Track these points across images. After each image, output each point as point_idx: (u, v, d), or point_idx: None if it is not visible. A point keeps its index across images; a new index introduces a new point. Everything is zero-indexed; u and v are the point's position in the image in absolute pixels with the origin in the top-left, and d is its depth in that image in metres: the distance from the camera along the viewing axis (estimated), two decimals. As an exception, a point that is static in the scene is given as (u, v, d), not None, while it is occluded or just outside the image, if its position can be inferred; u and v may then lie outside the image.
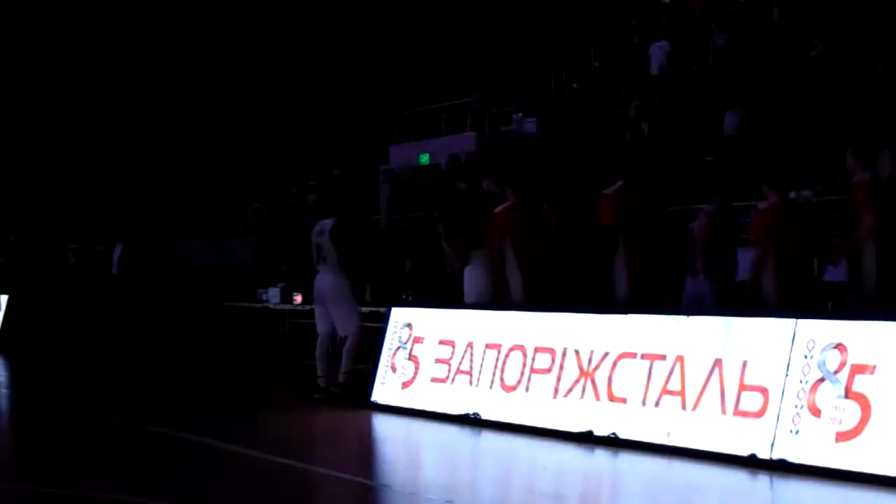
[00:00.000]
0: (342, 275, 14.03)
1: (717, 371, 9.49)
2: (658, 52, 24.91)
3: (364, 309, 18.13)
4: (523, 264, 12.21)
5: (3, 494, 8.99)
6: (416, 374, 12.65)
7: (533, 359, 11.21)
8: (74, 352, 23.10)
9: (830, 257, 10.95)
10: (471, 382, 11.84)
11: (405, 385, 12.74)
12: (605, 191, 11.84)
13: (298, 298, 20.20)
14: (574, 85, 27.07)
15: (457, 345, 12.20)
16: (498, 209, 12.42)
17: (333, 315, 14.06)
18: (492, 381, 11.58)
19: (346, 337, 14.08)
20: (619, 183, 11.79)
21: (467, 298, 13.03)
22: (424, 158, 26.95)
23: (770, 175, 11.56)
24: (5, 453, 11.76)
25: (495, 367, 11.59)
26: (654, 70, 24.82)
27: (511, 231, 12.29)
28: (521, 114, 27.38)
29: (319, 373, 14.20)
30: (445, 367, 12.25)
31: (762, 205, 11.34)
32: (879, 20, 19.82)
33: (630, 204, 11.58)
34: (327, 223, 14.21)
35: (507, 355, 11.51)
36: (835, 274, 12.02)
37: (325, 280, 14.12)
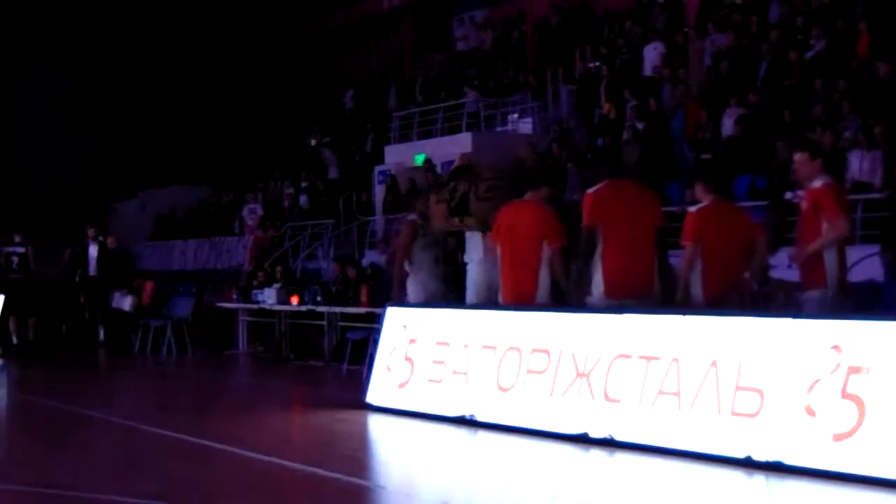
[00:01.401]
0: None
1: (712, 372, 9.49)
2: (652, 53, 24.94)
3: (360, 310, 18.21)
4: (506, 264, 12.16)
5: (2, 495, 8.98)
6: (411, 374, 12.63)
7: (529, 360, 11.20)
8: (65, 352, 23.09)
9: (793, 257, 10.95)
10: (466, 383, 11.83)
11: (401, 386, 12.72)
12: (588, 190, 11.82)
13: (294, 299, 20.21)
14: (570, 85, 27.07)
15: (452, 345, 12.19)
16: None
17: None
18: (487, 382, 11.57)
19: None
20: (603, 182, 11.75)
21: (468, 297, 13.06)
22: (420, 159, 26.95)
23: (706, 177, 11.65)
24: (3, 454, 11.74)
25: (491, 368, 11.58)
26: (647, 71, 24.85)
27: (502, 228, 12.24)
28: (516, 115, 27.42)
29: None
30: (441, 367, 12.23)
31: (694, 207, 11.45)
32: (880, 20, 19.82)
33: (611, 204, 11.51)
34: None
35: (502, 356, 11.50)
36: (786, 273, 12.10)
37: None
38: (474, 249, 12.86)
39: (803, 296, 10.68)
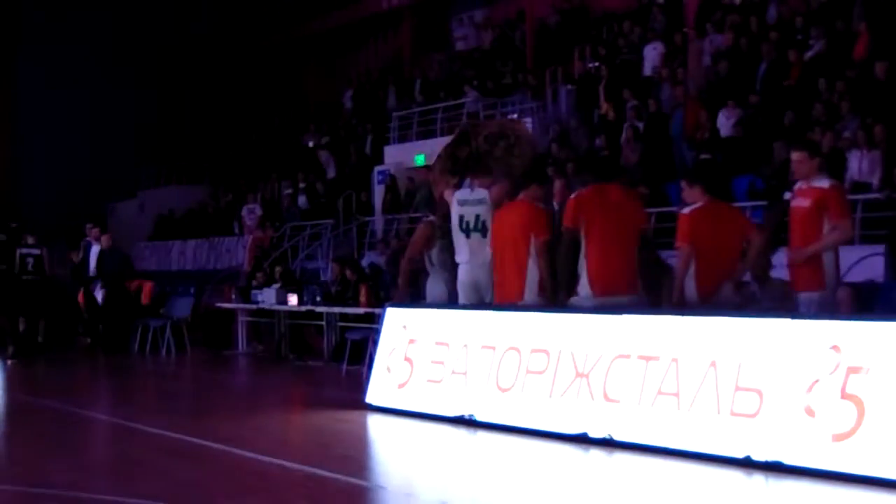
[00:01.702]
0: None
1: (712, 372, 9.49)
2: (652, 53, 24.95)
3: (359, 310, 18.20)
4: (497, 263, 12.35)
5: (1, 495, 8.98)
6: (411, 375, 12.64)
7: (528, 360, 11.20)
8: (68, 352, 23.07)
9: (794, 258, 10.85)
10: (466, 383, 11.84)
11: (400, 386, 12.73)
12: (572, 195, 11.94)
13: (293, 299, 20.19)
14: (569, 86, 27.07)
15: (452, 346, 12.19)
16: None
17: None
18: (487, 382, 11.58)
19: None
20: (588, 187, 11.89)
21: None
22: (420, 159, 26.97)
23: (697, 178, 11.74)
24: (2, 454, 11.75)
25: (490, 368, 11.58)
26: (647, 71, 24.85)
27: (494, 230, 12.47)
28: (515, 115, 27.39)
29: None
30: (440, 367, 12.24)
31: (687, 209, 11.52)
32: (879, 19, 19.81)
33: (593, 206, 11.61)
34: None
35: (502, 356, 11.50)
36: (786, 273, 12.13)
37: None
38: (461, 251, 12.93)
39: (801, 296, 10.66)
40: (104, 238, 23.76)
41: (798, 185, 10.81)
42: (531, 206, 12.22)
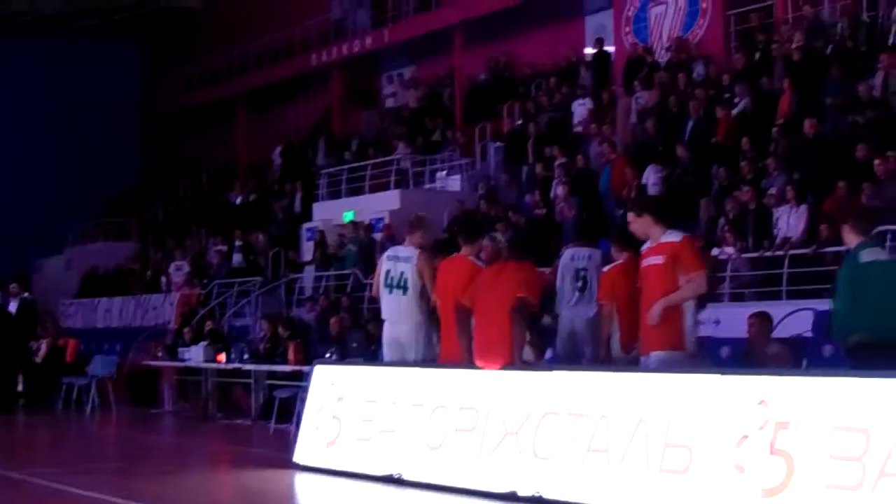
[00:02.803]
0: None
1: (641, 428, 9.45)
2: (580, 109, 25.14)
3: (287, 368, 18.05)
4: (441, 319, 12.43)
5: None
6: (339, 433, 12.51)
7: (457, 417, 11.13)
8: None
9: (652, 317, 10.33)
10: (394, 442, 11.73)
11: (329, 444, 12.59)
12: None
13: (221, 357, 20.02)
14: (498, 143, 27.19)
15: (380, 403, 12.10)
16: None
17: None
18: (416, 440, 11.48)
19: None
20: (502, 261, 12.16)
21: None
22: (348, 216, 26.90)
23: (617, 237, 11.93)
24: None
25: (419, 426, 11.49)
26: (576, 128, 25.03)
27: (438, 285, 12.54)
28: (444, 172, 27.47)
29: None
30: (369, 425, 12.13)
31: (606, 267, 11.89)
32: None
33: (481, 283, 11.70)
34: None
35: (431, 414, 11.42)
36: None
37: None
38: (384, 307, 13.07)
39: (652, 357, 10.37)
40: None
41: (646, 246, 10.74)
42: (473, 267, 12.18)
